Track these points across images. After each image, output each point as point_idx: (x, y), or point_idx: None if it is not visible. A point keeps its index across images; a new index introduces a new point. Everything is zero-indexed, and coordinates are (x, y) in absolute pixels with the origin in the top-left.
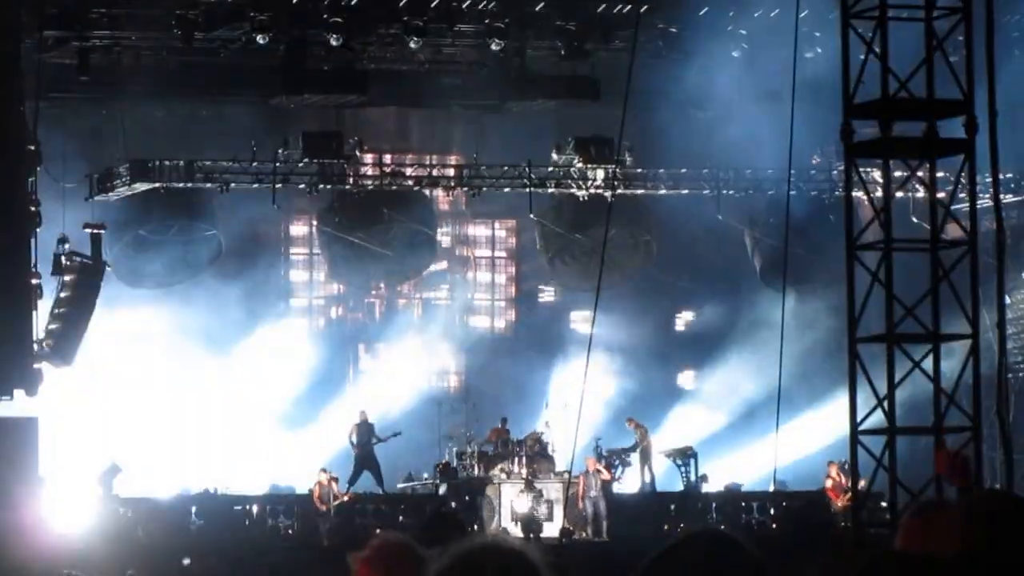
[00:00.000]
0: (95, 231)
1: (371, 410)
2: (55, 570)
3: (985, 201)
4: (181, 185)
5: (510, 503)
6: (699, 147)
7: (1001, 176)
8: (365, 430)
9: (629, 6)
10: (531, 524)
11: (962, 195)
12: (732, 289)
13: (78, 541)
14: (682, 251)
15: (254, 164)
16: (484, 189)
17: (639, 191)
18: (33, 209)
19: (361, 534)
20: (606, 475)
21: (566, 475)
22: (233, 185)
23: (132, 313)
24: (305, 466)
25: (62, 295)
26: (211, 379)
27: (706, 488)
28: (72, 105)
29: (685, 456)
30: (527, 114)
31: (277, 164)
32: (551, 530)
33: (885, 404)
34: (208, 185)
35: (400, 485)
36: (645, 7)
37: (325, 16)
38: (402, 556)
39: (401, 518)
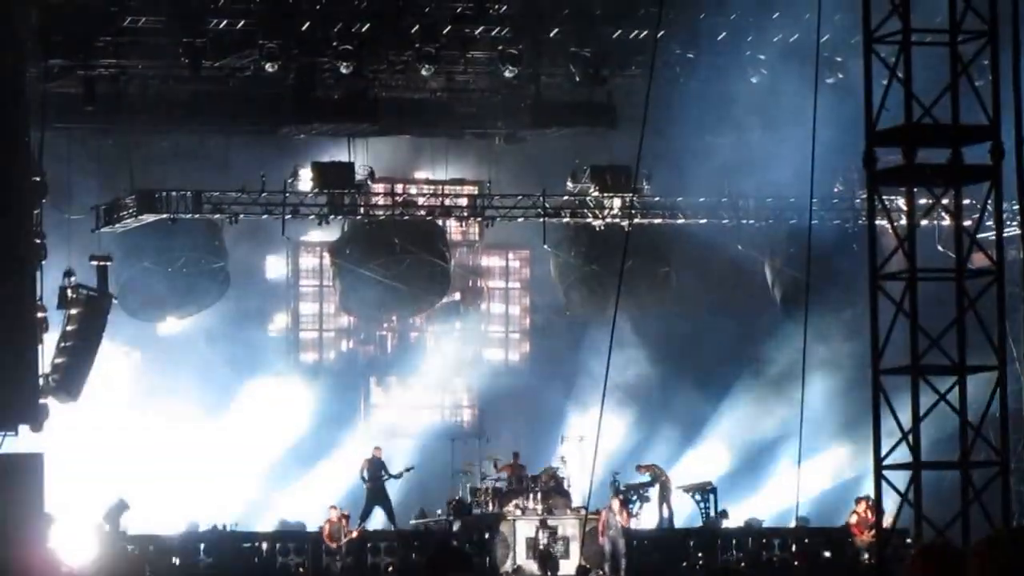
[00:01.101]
0: (101, 263)
1: (382, 445)
2: None
3: (1012, 229)
4: (189, 216)
5: (525, 539)
6: (718, 175)
7: None
8: (377, 465)
9: (645, 32)
10: (548, 561)
11: (988, 223)
12: (752, 320)
13: None
14: (701, 282)
15: (263, 195)
16: (497, 219)
17: (657, 220)
18: (38, 242)
19: (372, 572)
20: (624, 520)
21: (582, 511)
22: (242, 216)
23: (141, 345)
24: (316, 502)
25: (68, 328)
26: (220, 413)
27: (726, 524)
28: (78, 135)
29: (704, 491)
30: (541, 142)
31: (287, 194)
32: (567, 567)
33: (910, 438)
34: (216, 216)
35: (412, 521)
36: (662, 32)
37: (335, 43)
38: None
39: (413, 555)
